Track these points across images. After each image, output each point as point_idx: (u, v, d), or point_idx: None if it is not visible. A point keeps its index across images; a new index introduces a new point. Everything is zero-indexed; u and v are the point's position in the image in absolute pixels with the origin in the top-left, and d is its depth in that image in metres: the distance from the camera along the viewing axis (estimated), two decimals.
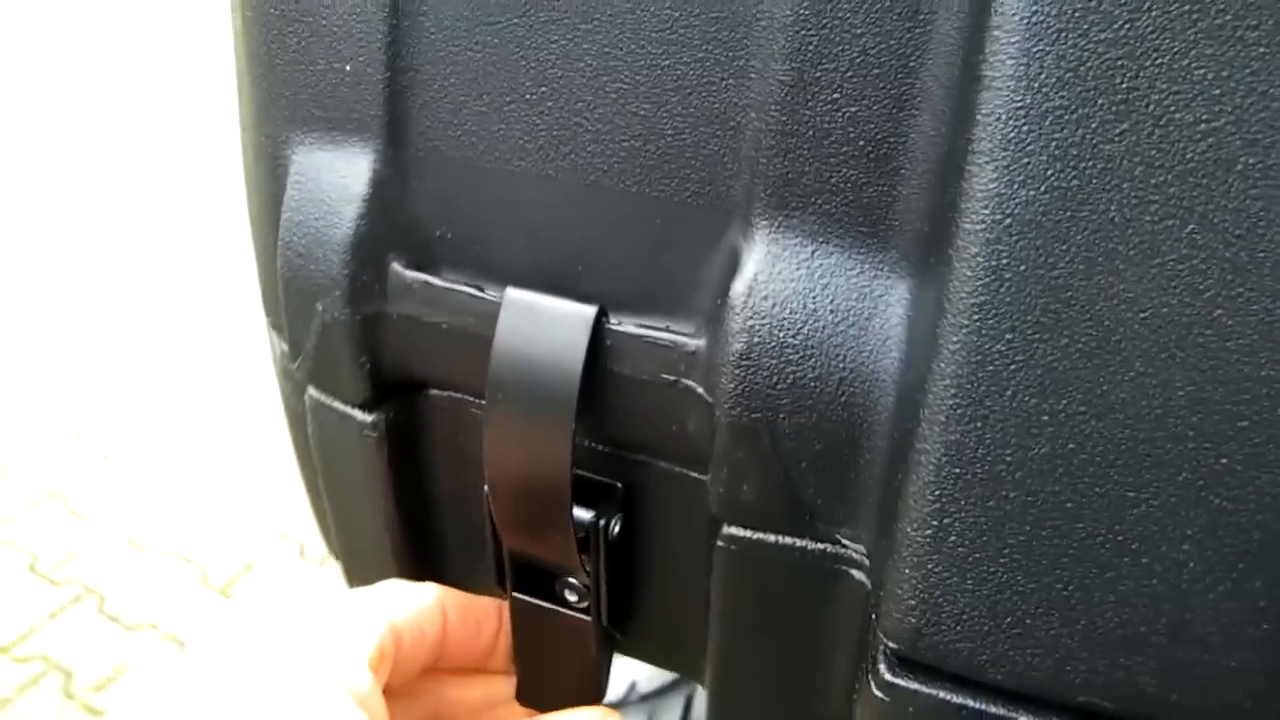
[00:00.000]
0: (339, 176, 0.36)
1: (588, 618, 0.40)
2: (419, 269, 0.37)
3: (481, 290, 0.36)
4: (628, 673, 1.16)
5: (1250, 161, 0.25)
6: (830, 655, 0.35)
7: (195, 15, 4.41)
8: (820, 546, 0.33)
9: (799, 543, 0.33)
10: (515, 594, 0.41)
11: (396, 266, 0.37)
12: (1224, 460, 0.26)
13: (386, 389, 0.39)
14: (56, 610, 1.71)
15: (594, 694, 0.43)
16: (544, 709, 0.44)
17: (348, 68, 0.35)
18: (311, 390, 0.41)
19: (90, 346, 2.39)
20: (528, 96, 0.33)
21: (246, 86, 0.39)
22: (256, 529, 1.88)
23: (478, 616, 0.41)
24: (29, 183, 3.21)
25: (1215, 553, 0.27)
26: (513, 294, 0.34)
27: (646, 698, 1.13)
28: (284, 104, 0.37)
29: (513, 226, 0.35)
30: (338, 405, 0.40)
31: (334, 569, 1.78)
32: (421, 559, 0.44)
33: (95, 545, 1.84)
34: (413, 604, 0.38)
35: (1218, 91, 0.24)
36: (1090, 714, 0.29)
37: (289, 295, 0.39)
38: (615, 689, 1.14)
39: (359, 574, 0.46)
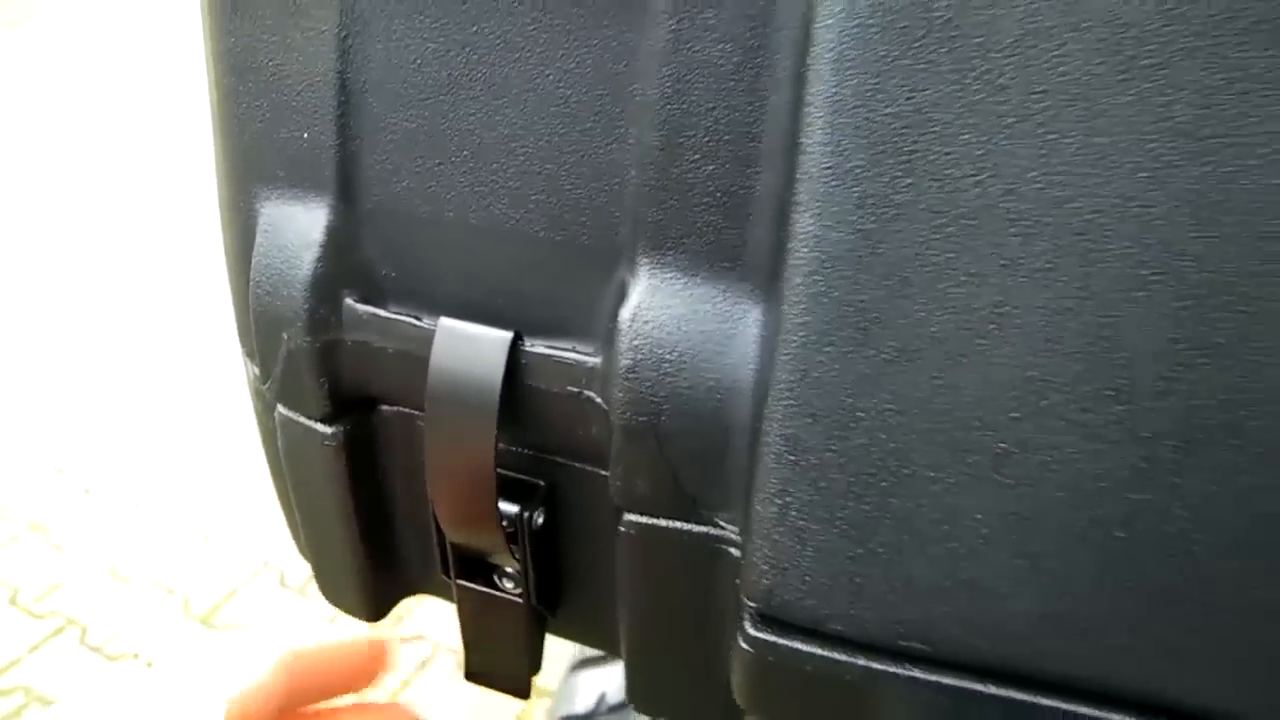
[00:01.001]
0: (300, 226, 0.44)
1: (520, 600, 0.48)
2: (368, 303, 0.44)
3: (420, 320, 0.43)
4: (597, 684, 1.23)
5: (1008, 206, 0.32)
6: (719, 622, 0.43)
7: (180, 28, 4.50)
8: (704, 529, 0.41)
9: (686, 526, 0.41)
10: (459, 581, 0.49)
11: (349, 301, 0.44)
12: (1002, 444, 0.34)
13: (344, 405, 0.47)
14: (38, 642, 1.77)
15: (529, 668, 0.50)
16: (488, 684, 0.51)
17: (305, 135, 0.43)
18: (280, 408, 0.48)
19: (70, 380, 2.46)
20: (453, 159, 0.41)
21: (221, 147, 0.47)
22: (237, 558, 1.94)
23: (333, 659, 0.49)
24: (5, 212, 3.28)
25: (1000, 519, 0.35)
26: (444, 322, 0.42)
27: (615, 708, 1.20)
28: (253, 165, 0.45)
29: (445, 266, 0.43)
30: (302, 420, 0.47)
31: (315, 595, 1.84)
32: (380, 556, 0.52)
33: (77, 577, 1.90)
34: (252, 678, 0.46)
35: (979, 153, 0.32)
36: (912, 656, 0.36)
37: (259, 326, 0.46)
38: (585, 700, 1.21)
39: (327, 574, 0.54)
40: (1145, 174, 0.31)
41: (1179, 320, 0.32)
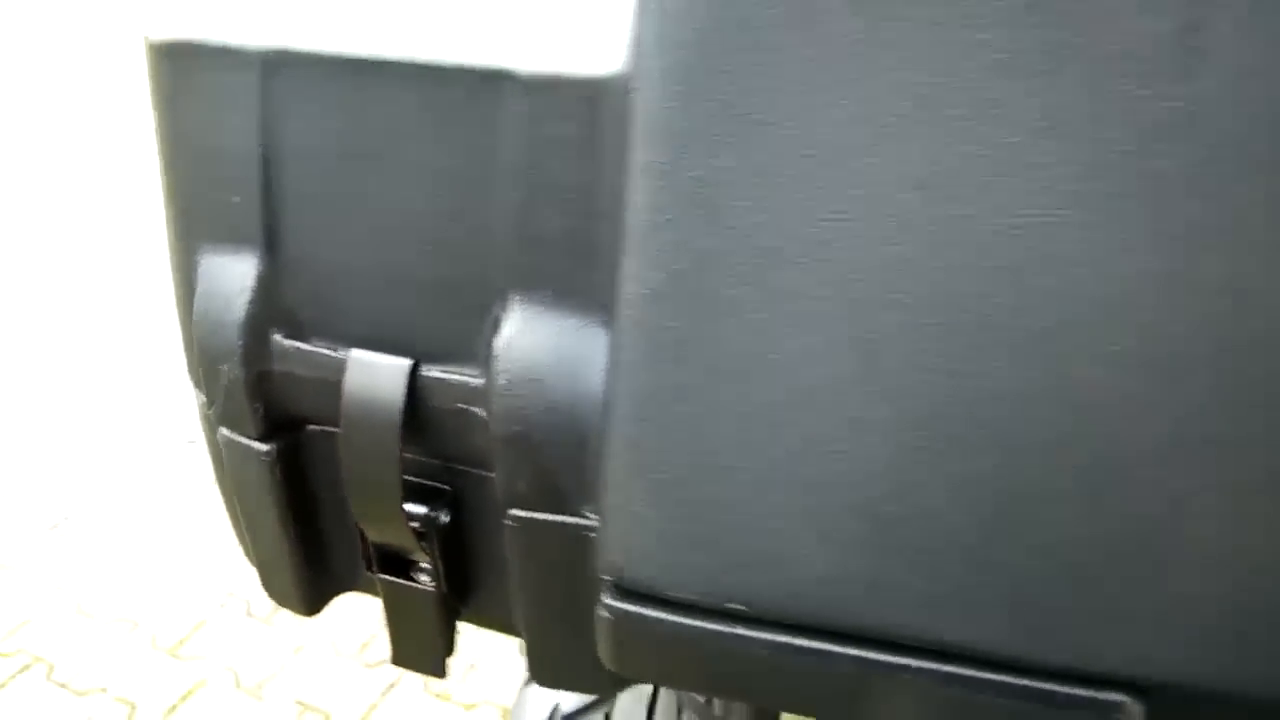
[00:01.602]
0: (232, 275, 0.54)
1: (433, 591, 0.57)
2: (293, 338, 0.54)
3: (335, 352, 0.53)
4: (551, 697, 1.32)
5: (789, 249, 0.42)
6: (594, 599, 0.52)
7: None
8: (574, 520, 0.51)
9: (559, 518, 0.51)
10: (380, 575, 0.58)
11: (277, 337, 0.54)
12: (792, 440, 0.44)
13: (276, 426, 0.57)
14: (5, 680, 1.84)
15: (444, 651, 0.60)
16: (410, 667, 0.61)
17: (236, 199, 0.53)
18: (222, 430, 0.58)
19: (34, 416, 2.54)
20: (356, 218, 0.51)
21: (167, 207, 0.57)
22: (203, 589, 2.02)
23: None
24: None
25: (794, 502, 0.44)
26: (354, 354, 0.52)
27: (568, 718, 1.28)
28: (193, 223, 0.55)
29: (354, 306, 0.53)
30: (241, 440, 0.57)
31: (281, 624, 1.92)
32: (314, 557, 0.61)
33: (43, 613, 1.98)
34: None
35: (764, 206, 0.42)
36: (736, 615, 0.46)
37: (202, 360, 0.56)
38: (538, 713, 1.30)
39: (268, 574, 0.63)
40: (892, 219, 0.41)
41: (926, 337, 0.42)
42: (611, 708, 1.32)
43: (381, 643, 1.86)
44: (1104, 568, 0.43)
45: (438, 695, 1.79)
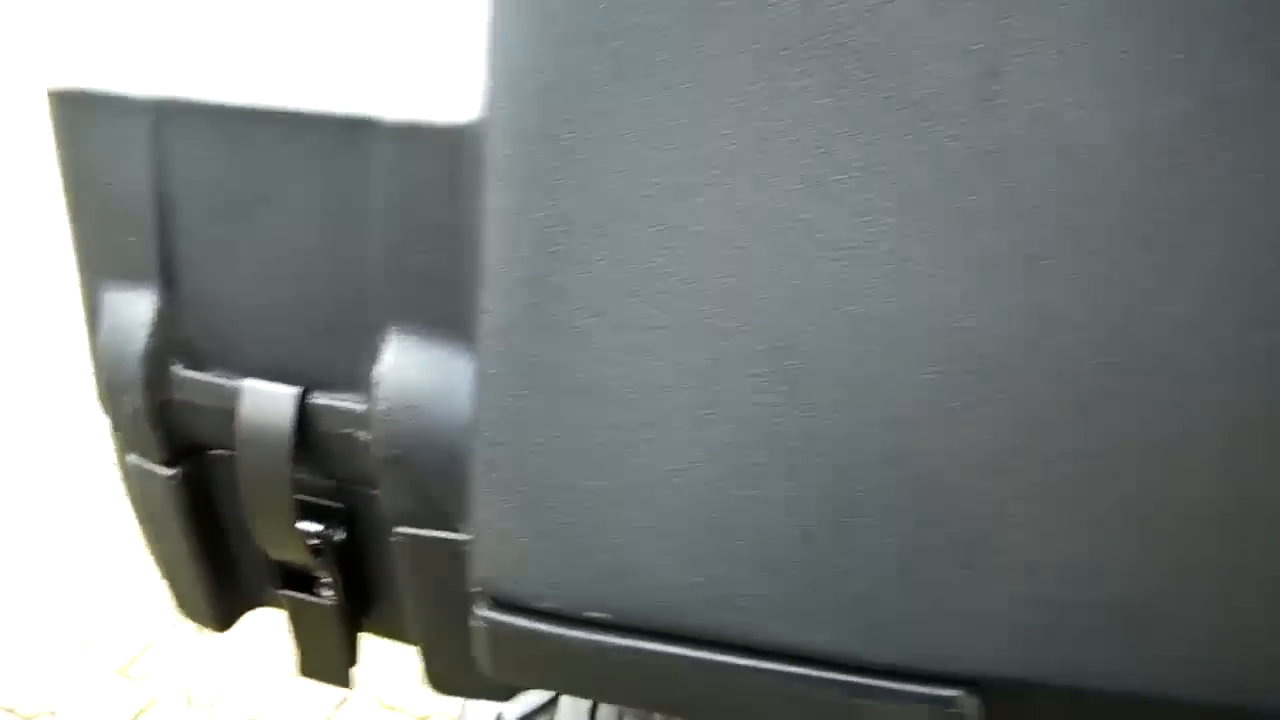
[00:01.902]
0: (133, 310, 0.58)
1: (334, 604, 0.61)
2: (191, 369, 0.58)
3: (231, 380, 0.57)
4: (494, 706, 1.36)
5: (630, 284, 0.47)
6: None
7: None
8: (454, 535, 0.55)
9: (439, 534, 0.55)
10: (284, 591, 0.62)
11: (176, 368, 0.58)
12: (636, 461, 0.48)
13: (179, 451, 0.60)
14: None
15: (347, 662, 0.64)
16: (317, 678, 0.65)
17: (134, 238, 0.57)
18: (130, 455, 0.62)
19: None
20: (245, 256, 0.55)
21: (74, 243, 0.61)
22: (153, 608, 2.04)
23: None
24: None
25: (640, 516, 0.49)
26: (247, 383, 0.56)
27: None
28: (96, 261, 0.59)
29: (247, 338, 0.57)
30: (147, 465, 0.61)
31: (232, 641, 1.95)
32: (221, 575, 0.65)
33: None
34: None
35: (605, 244, 0.47)
36: (598, 623, 0.51)
37: (108, 390, 0.60)
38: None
39: (178, 592, 0.67)
40: (724, 254, 0.45)
41: (759, 362, 0.46)
42: (554, 714, 1.36)
43: None
44: (931, 573, 0.48)
45: (390, 708, 1.82)
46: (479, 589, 0.52)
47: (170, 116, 0.53)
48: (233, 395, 0.57)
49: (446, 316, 0.52)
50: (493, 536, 0.51)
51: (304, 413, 0.56)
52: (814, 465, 0.47)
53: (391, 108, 0.50)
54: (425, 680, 0.62)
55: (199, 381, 0.58)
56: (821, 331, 0.45)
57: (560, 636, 0.51)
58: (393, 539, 0.56)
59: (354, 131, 0.51)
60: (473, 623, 0.53)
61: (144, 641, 1.97)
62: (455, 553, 0.55)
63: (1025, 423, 0.46)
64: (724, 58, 0.43)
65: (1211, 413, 0.45)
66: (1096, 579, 0.47)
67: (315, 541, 0.59)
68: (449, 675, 0.61)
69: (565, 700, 1.28)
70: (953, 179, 0.43)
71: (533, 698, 1.33)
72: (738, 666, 0.50)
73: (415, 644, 0.63)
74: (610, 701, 0.61)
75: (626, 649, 0.51)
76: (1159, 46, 0.41)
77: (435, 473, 0.53)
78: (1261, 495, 0.45)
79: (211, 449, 0.61)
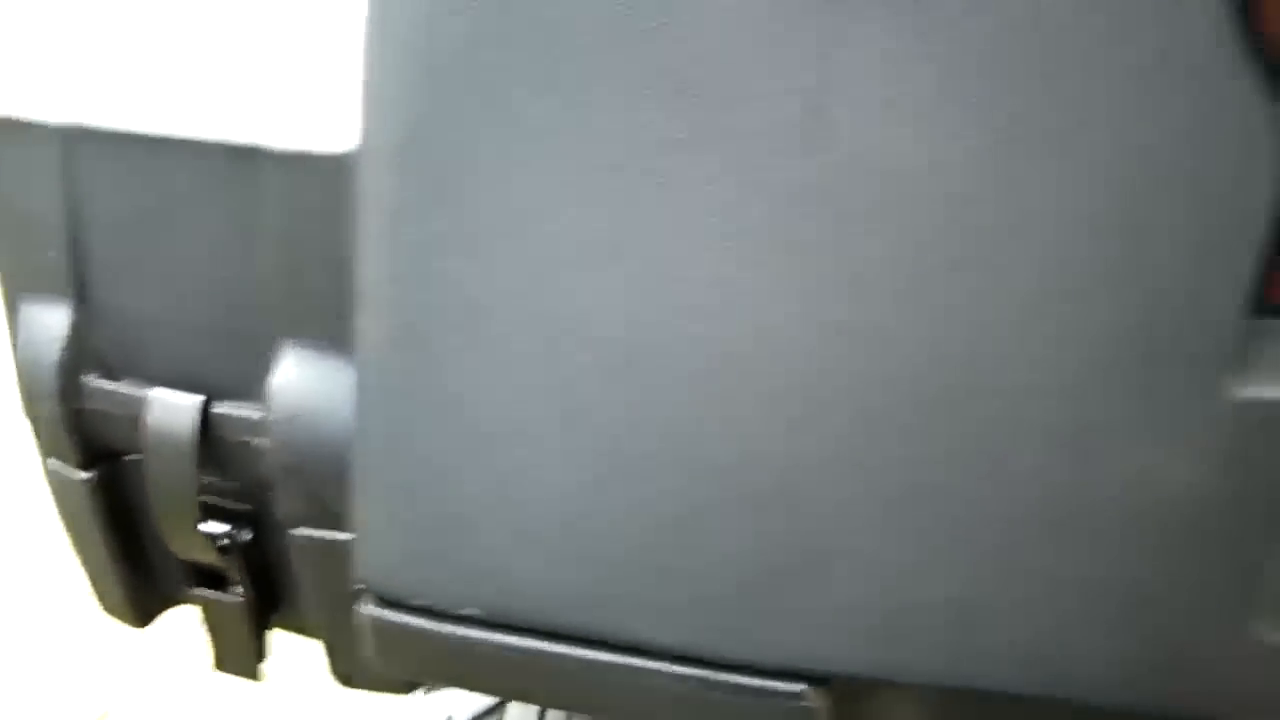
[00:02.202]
0: (49, 323, 0.62)
1: (241, 602, 0.66)
2: (104, 379, 0.62)
3: (139, 390, 0.61)
4: (444, 706, 1.40)
5: (493, 310, 0.51)
6: None
7: None
8: (346, 535, 0.59)
9: (333, 535, 0.59)
10: (196, 590, 0.67)
11: (88, 378, 0.62)
12: (499, 473, 0.53)
13: (95, 456, 0.65)
14: None
15: (257, 657, 0.68)
16: (229, 672, 0.69)
17: (51, 254, 0.61)
18: (50, 459, 0.66)
19: None
20: (150, 273, 0.59)
21: None
22: (107, 679, 1.97)
23: None
24: None
25: (506, 518, 0.53)
26: (154, 392, 0.60)
27: None
28: (16, 275, 0.63)
29: (155, 350, 0.61)
30: (65, 469, 0.65)
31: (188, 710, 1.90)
32: (139, 574, 0.69)
33: None
34: None
35: (472, 270, 0.51)
36: (473, 620, 0.55)
37: (27, 398, 0.64)
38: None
39: (100, 590, 0.71)
40: (580, 275, 0.49)
41: (614, 376, 0.50)
42: (502, 714, 1.40)
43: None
44: (777, 575, 0.52)
45: None
46: (362, 586, 0.56)
47: (79, 142, 0.58)
48: (140, 404, 0.61)
49: (336, 331, 0.56)
50: (372, 537, 0.55)
51: (207, 421, 0.60)
52: (665, 473, 0.51)
53: (280, 136, 0.54)
54: (332, 675, 0.67)
55: (110, 391, 0.62)
56: (669, 349, 0.49)
57: (438, 632, 0.55)
58: (291, 540, 0.60)
59: (246, 159, 0.55)
60: (356, 619, 0.57)
61: (98, 712, 1.92)
62: (348, 553, 0.59)
63: (856, 434, 0.50)
64: (577, 96, 0.47)
65: (1027, 425, 0.49)
66: (928, 580, 0.51)
67: (223, 542, 0.63)
68: (352, 669, 0.65)
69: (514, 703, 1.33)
70: (782, 208, 0.47)
71: (483, 699, 1.36)
72: (600, 661, 0.54)
73: (321, 640, 0.67)
74: (485, 693, 0.65)
75: (497, 644, 0.55)
76: (970, 83, 0.45)
77: (327, 477, 0.58)
78: (1075, 501, 0.49)
79: (125, 454, 0.65)
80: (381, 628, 0.56)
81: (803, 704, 0.54)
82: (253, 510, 0.64)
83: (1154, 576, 0.50)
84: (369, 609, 0.56)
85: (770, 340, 0.49)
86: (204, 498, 0.62)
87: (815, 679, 0.54)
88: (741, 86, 0.46)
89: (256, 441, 0.59)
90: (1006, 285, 0.47)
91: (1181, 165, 0.45)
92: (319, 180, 0.54)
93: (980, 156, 0.45)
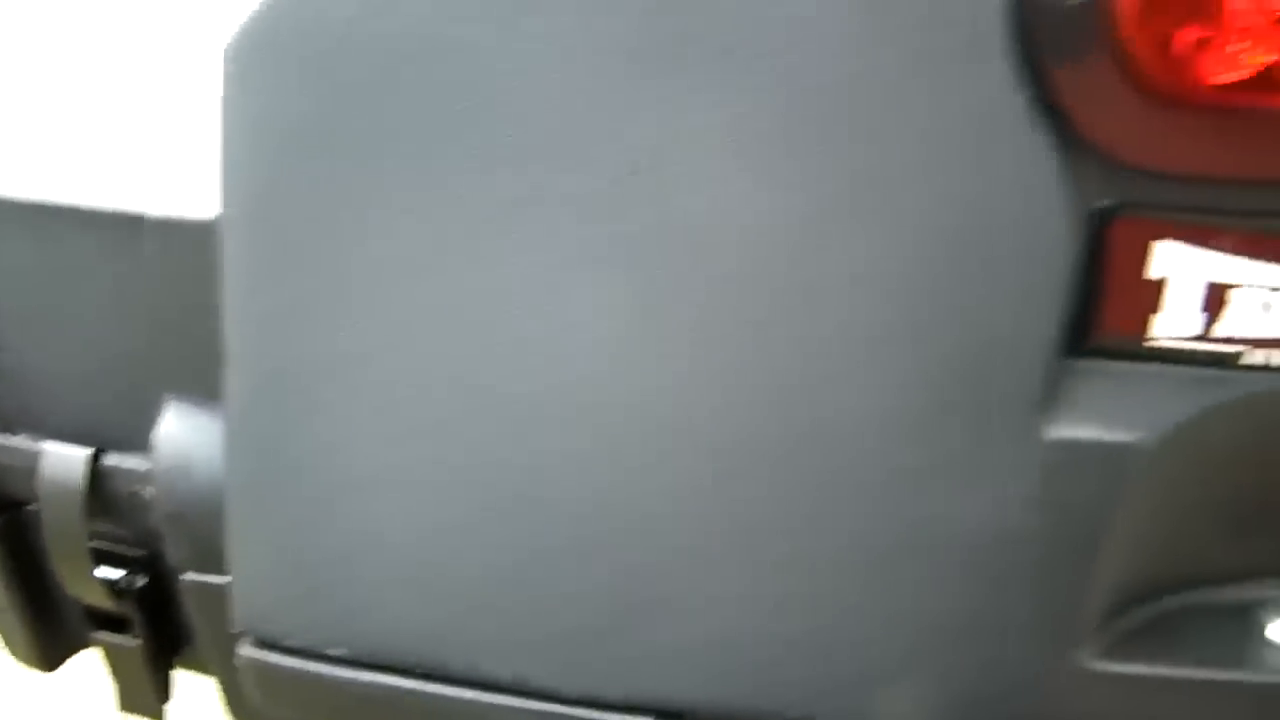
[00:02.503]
0: None
1: (139, 645, 0.69)
2: (2, 432, 0.66)
3: (35, 443, 0.65)
4: None
5: (351, 357, 0.54)
6: None
7: None
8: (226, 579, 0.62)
9: (219, 579, 0.62)
10: (98, 634, 0.70)
11: None
12: (375, 511, 0.56)
13: None
14: None
15: (159, 698, 0.71)
16: (134, 712, 0.72)
17: None
18: None
19: None
20: (45, 334, 0.62)
21: None
22: None
23: None
24: None
25: (381, 554, 0.56)
26: (46, 445, 0.64)
27: None
28: None
29: (48, 406, 0.64)
30: None
31: None
32: (44, 619, 0.72)
33: None
34: None
35: (319, 336, 0.54)
36: (340, 660, 0.58)
37: None
38: None
39: (7, 637, 0.74)
40: (430, 334, 0.53)
41: (468, 426, 0.54)
42: None
43: None
44: (622, 613, 0.55)
45: None
46: (240, 629, 0.59)
47: None
48: (35, 456, 0.64)
49: (213, 385, 0.59)
50: (246, 581, 0.58)
51: (97, 472, 0.63)
52: (513, 516, 0.54)
53: (157, 203, 0.58)
54: (230, 715, 0.69)
55: (6, 445, 0.65)
56: (511, 399, 0.53)
57: (312, 672, 0.58)
58: (181, 585, 0.64)
59: (127, 225, 0.58)
60: (236, 661, 0.60)
61: None
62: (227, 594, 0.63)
63: (694, 479, 0.53)
64: (417, 164, 0.51)
65: (856, 468, 0.52)
66: (767, 617, 0.54)
67: (119, 587, 0.66)
68: (247, 711, 0.68)
69: None
70: (615, 263, 0.50)
71: None
72: (458, 699, 0.57)
73: (218, 680, 0.70)
74: None
75: (366, 682, 0.58)
76: (789, 145, 0.48)
77: (209, 524, 0.61)
78: (905, 540, 0.52)
79: (26, 504, 0.68)
80: (260, 669, 0.59)
81: None
82: (148, 556, 0.67)
83: (983, 610, 0.53)
84: (248, 650, 0.59)
85: (607, 389, 0.52)
86: (100, 544, 0.65)
87: (665, 714, 0.56)
88: (572, 150, 0.49)
89: (145, 491, 0.63)
90: (829, 334, 0.50)
91: (983, 217, 0.49)
92: (191, 244, 0.57)
93: (797, 212, 0.49)
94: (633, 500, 0.53)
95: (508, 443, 0.53)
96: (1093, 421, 0.51)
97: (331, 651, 0.57)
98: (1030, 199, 0.48)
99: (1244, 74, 0.46)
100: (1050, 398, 0.50)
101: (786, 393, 0.51)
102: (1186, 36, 0.46)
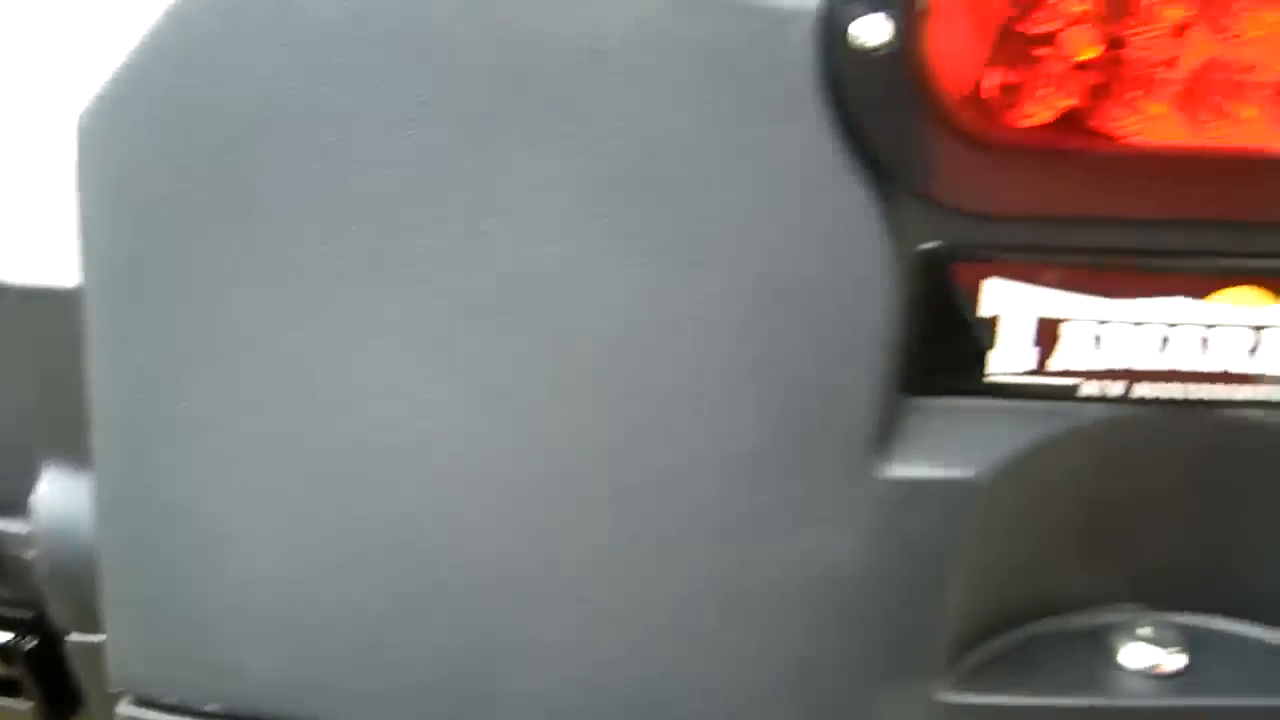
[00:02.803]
0: None
1: (30, 707, 0.70)
2: None
3: None
4: None
5: (209, 419, 0.56)
6: None
7: None
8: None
9: (101, 638, 0.63)
10: None
11: None
12: (234, 573, 0.57)
13: None
14: None
15: None
16: None
17: None
18: None
19: None
20: None
21: None
22: None
23: None
24: None
25: (242, 615, 0.57)
26: None
27: None
28: None
29: None
30: None
31: None
32: None
33: None
34: None
35: (185, 390, 0.56)
36: (217, 716, 0.59)
37: None
38: None
39: None
40: (274, 397, 0.54)
41: (318, 484, 0.55)
42: None
43: None
44: (476, 663, 0.56)
45: None
46: (118, 688, 0.60)
47: None
48: None
49: (88, 449, 0.61)
50: (122, 639, 0.59)
51: None
52: (370, 571, 0.56)
53: (19, 273, 0.59)
54: None
55: None
56: (365, 456, 0.54)
57: None
58: (67, 646, 0.65)
59: None
60: (119, 713, 0.61)
61: None
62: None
63: (540, 529, 0.55)
64: (265, 230, 0.52)
65: (697, 512, 0.53)
66: (618, 662, 0.55)
67: (6, 650, 0.67)
68: None
69: None
70: (452, 320, 0.52)
71: None
72: None
73: None
74: None
75: None
76: (609, 204, 0.50)
77: (90, 584, 0.62)
78: (750, 581, 0.54)
79: None
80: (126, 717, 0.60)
81: None
82: (35, 618, 0.68)
83: (833, 648, 0.55)
84: (126, 709, 0.60)
85: (457, 442, 0.54)
86: None
87: None
88: (409, 212, 0.51)
89: (27, 554, 0.64)
90: (669, 382, 0.52)
91: (807, 264, 0.50)
92: (56, 312, 0.58)
93: (632, 265, 0.50)
94: (485, 550, 0.55)
95: (363, 497, 0.55)
96: (929, 459, 0.52)
97: (207, 708, 0.58)
98: (853, 245, 0.50)
99: (1049, 116, 0.48)
100: (887, 437, 0.52)
101: (630, 440, 0.53)
102: (993, 82, 0.48)
